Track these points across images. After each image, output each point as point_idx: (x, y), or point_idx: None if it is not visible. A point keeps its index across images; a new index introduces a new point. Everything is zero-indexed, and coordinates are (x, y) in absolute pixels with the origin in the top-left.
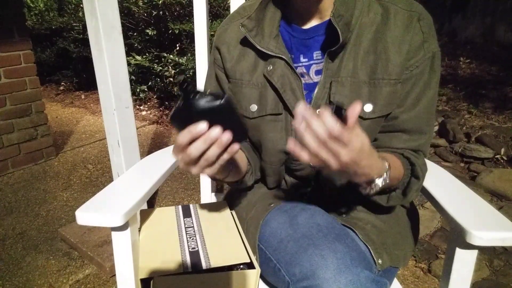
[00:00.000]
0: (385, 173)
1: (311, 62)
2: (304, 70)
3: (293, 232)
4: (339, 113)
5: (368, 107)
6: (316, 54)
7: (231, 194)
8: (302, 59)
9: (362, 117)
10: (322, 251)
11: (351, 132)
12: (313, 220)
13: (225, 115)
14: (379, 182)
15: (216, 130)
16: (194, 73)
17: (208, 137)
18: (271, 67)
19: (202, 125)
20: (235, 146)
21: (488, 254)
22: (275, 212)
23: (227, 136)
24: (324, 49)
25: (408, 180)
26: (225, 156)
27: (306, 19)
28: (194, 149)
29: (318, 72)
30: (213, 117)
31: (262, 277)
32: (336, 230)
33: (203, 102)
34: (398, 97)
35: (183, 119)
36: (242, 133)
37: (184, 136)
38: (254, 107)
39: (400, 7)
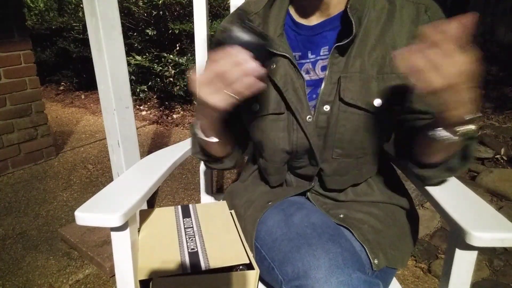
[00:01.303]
0: (476, 111)
1: (318, 58)
2: (310, 66)
3: (288, 231)
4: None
5: (377, 102)
6: (324, 50)
7: (230, 193)
8: (310, 56)
9: (371, 112)
10: (315, 251)
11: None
12: (308, 219)
13: (259, 51)
14: (472, 119)
15: (252, 63)
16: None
17: (238, 59)
18: (274, 66)
19: (242, 52)
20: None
21: (488, 254)
22: (272, 210)
23: (254, 65)
24: (331, 44)
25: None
26: (247, 81)
27: (312, 16)
28: (223, 66)
29: (324, 68)
30: (251, 49)
31: (259, 276)
32: (331, 230)
33: (251, 37)
34: (409, 90)
35: (233, 41)
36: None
37: (220, 56)
38: (256, 106)
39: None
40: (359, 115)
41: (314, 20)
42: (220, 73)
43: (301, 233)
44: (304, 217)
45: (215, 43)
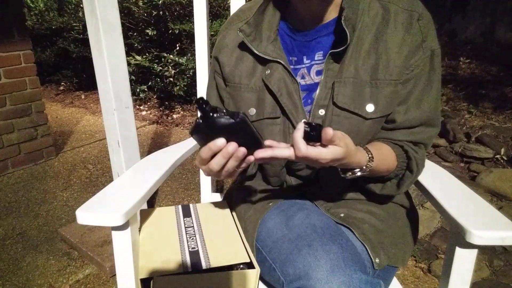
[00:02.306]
0: (364, 166)
1: (313, 62)
2: (306, 71)
3: (288, 232)
4: (314, 131)
5: (370, 107)
6: (318, 55)
7: (230, 193)
8: (305, 61)
9: (364, 117)
10: (315, 251)
11: (323, 148)
12: (309, 220)
13: (241, 131)
14: (357, 172)
15: (233, 146)
16: (194, 73)
17: (226, 152)
18: (269, 71)
19: (220, 141)
20: (251, 158)
21: (488, 254)
22: (273, 211)
23: (242, 151)
24: (326, 49)
25: (402, 173)
26: (244, 165)
27: (308, 22)
28: (215, 164)
29: (318, 73)
30: (230, 133)
31: (260, 276)
32: (331, 231)
33: (221, 120)
34: (398, 97)
35: (203, 134)
36: (258, 146)
37: (205, 152)
38: (252, 111)
39: (401, 6)
40: (351, 120)
41: (308, 26)
42: (218, 169)
43: (302, 234)
44: (304, 218)
45: (193, 129)
